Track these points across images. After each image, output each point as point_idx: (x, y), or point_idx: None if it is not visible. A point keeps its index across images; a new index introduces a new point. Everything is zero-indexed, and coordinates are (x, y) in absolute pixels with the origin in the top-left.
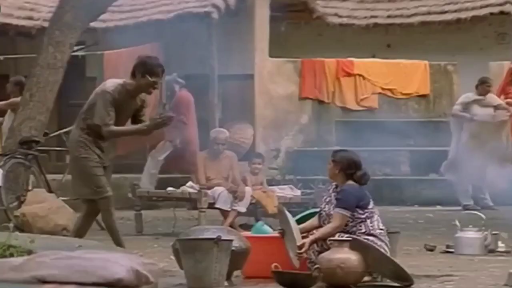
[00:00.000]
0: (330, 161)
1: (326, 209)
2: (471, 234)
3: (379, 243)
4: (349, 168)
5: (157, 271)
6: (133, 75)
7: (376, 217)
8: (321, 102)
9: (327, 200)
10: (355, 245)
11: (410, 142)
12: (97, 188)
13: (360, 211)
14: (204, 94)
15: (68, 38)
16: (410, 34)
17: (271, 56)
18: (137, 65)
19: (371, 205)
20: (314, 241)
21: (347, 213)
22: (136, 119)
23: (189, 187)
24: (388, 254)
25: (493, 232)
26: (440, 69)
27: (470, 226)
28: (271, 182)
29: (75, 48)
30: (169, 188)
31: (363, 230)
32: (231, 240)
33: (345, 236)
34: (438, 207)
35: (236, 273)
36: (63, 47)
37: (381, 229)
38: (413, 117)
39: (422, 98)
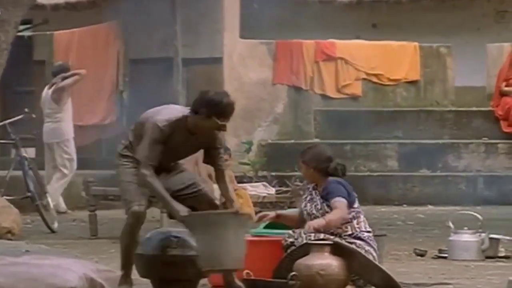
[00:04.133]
0: (301, 164)
1: (308, 208)
2: (466, 237)
3: (367, 247)
4: (321, 164)
5: (114, 279)
6: (195, 111)
7: (362, 217)
8: (298, 89)
9: (308, 198)
10: (337, 249)
11: (399, 134)
12: (124, 199)
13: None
14: (167, 79)
15: (12, 16)
16: (398, 13)
17: (242, 37)
18: (203, 103)
19: (356, 203)
20: (322, 227)
21: (345, 201)
22: (211, 159)
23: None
24: (376, 261)
25: (491, 235)
26: (432, 51)
27: (466, 228)
28: (242, 179)
29: (21, 27)
30: None
31: (349, 232)
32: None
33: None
34: (430, 207)
35: (202, 281)
36: (7, 27)
37: (369, 232)
38: (402, 105)
39: (412, 85)
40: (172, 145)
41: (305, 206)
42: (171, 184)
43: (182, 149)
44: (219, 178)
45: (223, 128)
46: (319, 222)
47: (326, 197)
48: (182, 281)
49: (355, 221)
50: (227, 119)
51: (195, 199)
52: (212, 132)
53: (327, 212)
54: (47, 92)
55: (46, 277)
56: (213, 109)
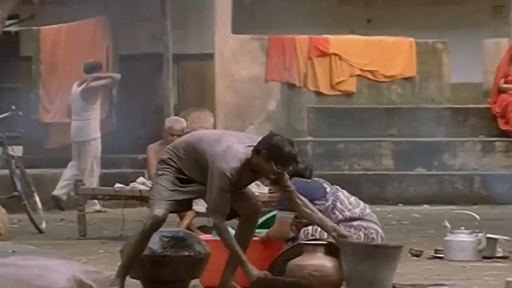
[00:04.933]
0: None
1: None
2: (463, 237)
3: (366, 224)
4: (296, 165)
5: (103, 280)
6: (258, 152)
7: (341, 195)
8: (291, 85)
9: None
10: (331, 250)
11: (393, 132)
12: (152, 202)
13: (319, 202)
14: (157, 76)
15: None
16: (393, 7)
17: (234, 32)
18: (267, 146)
19: (328, 190)
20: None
21: (286, 215)
22: (280, 185)
23: (140, 184)
24: (380, 234)
25: (488, 235)
26: (427, 47)
27: (462, 227)
28: None
29: (7, 22)
30: (117, 185)
31: (339, 217)
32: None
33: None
34: (426, 206)
35: (194, 282)
36: None
37: (356, 208)
38: (397, 103)
39: (407, 81)
40: (238, 183)
41: None
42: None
43: (247, 182)
44: (293, 201)
45: (279, 175)
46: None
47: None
48: (173, 282)
49: (338, 203)
50: (285, 168)
51: (234, 199)
52: (265, 177)
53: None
54: (76, 89)
55: (33, 278)
56: (273, 155)
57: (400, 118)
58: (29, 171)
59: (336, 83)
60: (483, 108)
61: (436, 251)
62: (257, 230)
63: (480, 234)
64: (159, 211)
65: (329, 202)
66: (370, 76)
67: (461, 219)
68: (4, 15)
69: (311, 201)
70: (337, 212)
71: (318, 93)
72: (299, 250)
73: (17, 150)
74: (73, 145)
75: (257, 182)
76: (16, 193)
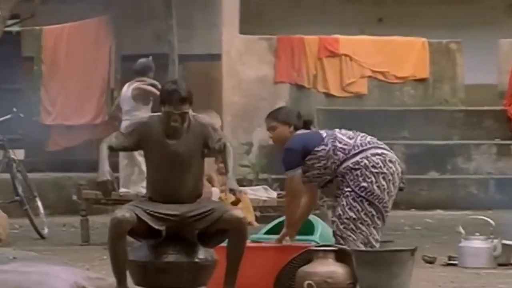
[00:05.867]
0: (272, 126)
1: None
2: (477, 243)
3: (368, 153)
4: (297, 120)
5: (106, 287)
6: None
7: (339, 134)
8: (300, 87)
9: None
10: (342, 255)
11: (405, 135)
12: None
13: (320, 148)
14: (162, 77)
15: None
16: (405, 6)
17: (241, 32)
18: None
19: (325, 135)
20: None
21: (292, 172)
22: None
23: (145, 188)
24: (388, 157)
25: (504, 241)
26: (440, 47)
27: (477, 233)
28: (242, 182)
29: (9, 22)
30: (122, 189)
31: (342, 157)
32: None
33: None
34: (439, 211)
35: None
36: None
37: (354, 136)
38: (409, 104)
39: (420, 83)
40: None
41: None
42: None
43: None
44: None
45: (173, 117)
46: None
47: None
48: None
49: (338, 144)
50: (173, 106)
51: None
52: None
53: None
54: (127, 89)
55: (33, 285)
56: (161, 97)
57: (412, 121)
58: (30, 175)
59: (346, 84)
60: (498, 110)
61: (450, 257)
62: (266, 236)
63: (495, 240)
64: (118, 212)
65: (329, 146)
66: (381, 77)
67: (476, 225)
68: (5, 14)
69: (312, 150)
70: (339, 153)
71: (328, 95)
72: (308, 256)
73: (18, 154)
74: None
75: (265, 186)
76: (17, 198)
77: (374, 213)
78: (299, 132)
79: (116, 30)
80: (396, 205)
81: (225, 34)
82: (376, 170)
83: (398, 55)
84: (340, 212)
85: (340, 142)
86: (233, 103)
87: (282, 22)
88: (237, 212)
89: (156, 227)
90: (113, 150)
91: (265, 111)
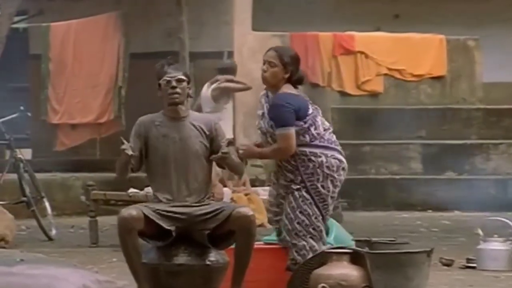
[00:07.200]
0: (272, 62)
1: (262, 126)
2: (496, 246)
3: (329, 153)
4: (296, 71)
5: None
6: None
7: (319, 118)
8: (314, 85)
9: (261, 114)
10: (356, 258)
11: (422, 134)
12: None
13: (300, 123)
14: None
15: (6, 7)
16: (422, 2)
17: (254, 29)
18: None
19: (310, 109)
20: (256, 155)
21: (290, 130)
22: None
23: None
24: (343, 166)
25: None
26: (458, 44)
27: (495, 235)
28: (254, 182)
29: (16, 19)
30: (131, 190)
31: (306, 141)
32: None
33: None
34: (456, 213)
35: None
36: (0, 18)
37: (326, 129)
38: (426, 103)
39: (437, 80)
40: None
41: (259, 123)
42: None
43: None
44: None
45: (171, 85)
46: (252, 151)
47: (271, 118)
48: None
49: (312, 128)
50: (168, 79)
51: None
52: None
53: (272, 135)
54: (206, 89)
55: None
56: (156, 75)
57: (429, 120)
58: (38, 175)
59: (362, 82)
60: None
61: (468, 260)
62: (277, 238)
63: None
64: (125, 210)
65: (306, 125)
66: (397, 75)
67: (494, 226)
68: (12, 10)
69: (297, 118)
70: (307, 136)
71: (343, 93)
72: (322, 259)
73: (25, 153)
74: None
75: None
76: (24, 198)
77: (317, 213)
78: (291, 90)
79: (125, 27)
80: (412, 206)
81: (237, 31)
82: (328, 172)
83: (415, 52)
84: (294, 205)
85: (314, 128)
86: (245, 101)
87: (296, 19)
88: (246, 209)
89: (165, 226)
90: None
91: None
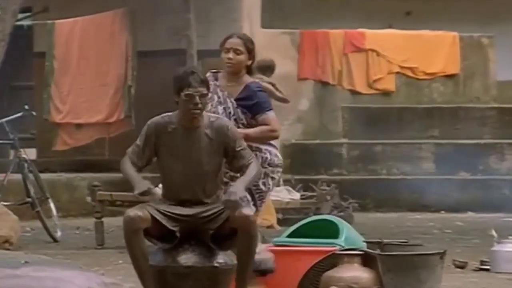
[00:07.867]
0: (238, 49)
1: (219, 111)
2: (511, 247)
3: (273, 150)
4: (256, 61)
5: None
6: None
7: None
8: (324, 83)
9: (216, 99)
10: (368, 260)
11: (435, 134)
12: None
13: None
14: None
15: (10, 4)
16: None
17: (263, 26)
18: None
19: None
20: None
21: (273, 113)
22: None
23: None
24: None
25: None
26: (472, 42)
27: (510, 237)
28: None
29: (20, 16)
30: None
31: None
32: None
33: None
34: (470, 214)
35: None
36: (4, 15)
37: None
38: (439, 102)
39: (450, 79)
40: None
41: (215, 108)
42: None
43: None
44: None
45: (194, 101)
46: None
47: (248, 106)
48: None
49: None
50: (191, 89)
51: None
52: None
53: (242, 122)
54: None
55: None
56: (175, 84)
57: (442, 119)
58: (43, 175)
59: (373, 81)
60: None
61: (482, 262)
62: (290, 240)
63: None
64: (130, 210)
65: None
66: (409, 73)
67: (509, 228)
68: (16, 7)
69: (256, 113)
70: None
71: (354, 92)
72: (333, 261)
73: (30, 153)
74: None
75: (288, 187)
76: (29, 199)
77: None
78: (255, 78)
79: (132, 24)
80: (425, 207)
81: (246, 28)
82: (271, 169)
83: (427, 50)
84: None
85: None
86: None
87: (306, 16)
88: (246, 210)
89: (169, 226)
90: (138, 167)
91: (288, 109)
